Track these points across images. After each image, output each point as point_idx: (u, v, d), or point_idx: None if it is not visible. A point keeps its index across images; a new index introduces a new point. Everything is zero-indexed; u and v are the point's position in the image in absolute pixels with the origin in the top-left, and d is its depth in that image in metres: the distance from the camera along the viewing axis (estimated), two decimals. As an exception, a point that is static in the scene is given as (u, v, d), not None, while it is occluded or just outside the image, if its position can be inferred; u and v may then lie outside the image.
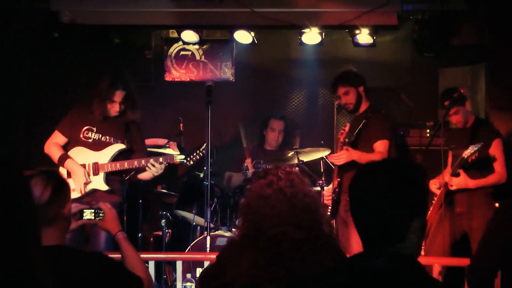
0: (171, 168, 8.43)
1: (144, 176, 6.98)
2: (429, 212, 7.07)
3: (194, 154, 6.85)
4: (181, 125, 8.45)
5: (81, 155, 6.71)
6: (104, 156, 6.73)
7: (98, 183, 6.67)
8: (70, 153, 6.74)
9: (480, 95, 8.40)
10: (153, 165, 6.67)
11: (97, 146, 6.76)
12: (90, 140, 6.74)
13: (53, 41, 8.93)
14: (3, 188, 2.01)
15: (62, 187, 3.63)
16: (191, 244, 7.24)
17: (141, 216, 7.86)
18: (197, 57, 9.76)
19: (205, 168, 7.27)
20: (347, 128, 7.07)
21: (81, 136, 6.73)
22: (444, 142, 7.19)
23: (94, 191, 6.68)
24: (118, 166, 6.68)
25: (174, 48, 9.77)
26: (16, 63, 9.08)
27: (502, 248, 3.87)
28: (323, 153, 7.67)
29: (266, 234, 3.50)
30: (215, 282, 3.69)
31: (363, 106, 7.40)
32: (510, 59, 8.09)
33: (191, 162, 6.87)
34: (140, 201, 7.84)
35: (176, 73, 9.77)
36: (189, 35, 9.12)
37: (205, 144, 6.83)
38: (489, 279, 3.94)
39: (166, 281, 7.63)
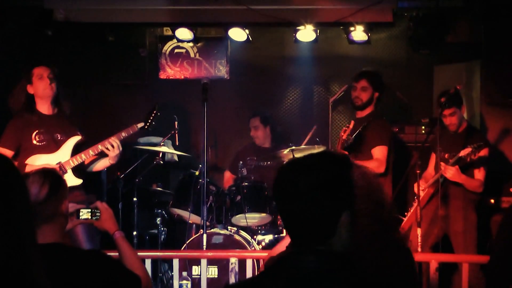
0: (165, 166, 8.43)
1: (98, 166, 6.87)
2: (410, 212, 7.09)
3: (151, 118, 6.79)
4: (175, 123, 8.43)
5: (40, 162, 6.52)
6: (64, 154, 6.61)
7: (70, 180, 6.47)
8: (28, 161, 6.55)
9: (475, 92, 8.40)
10: (112, 145, 6.56)
11: (52, 147, 6.63)
12: (44, 143, 6.62)
13: (47, 39, 8.90)
14: (1, 187, 2.00)
15: (59, 184, 3.62)
16: (187, 242, 7.23)
17: (137, 214, 7.84)
18: (192, 55, 9.74)
19: (200, 166, 7.25)
20: (351, 126, 7.05)
21: (34, 141, 6.60)
22: (432, 141, 7.22)
23: (71, 189, 6.57)
24: (82, 156, 6.58)
25: (168, 46, 9.75)
26: (10, 61, 9.04)
27: None
28: (318, 150, 7.65)
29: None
30: None
31: (368, 109, 7.43)
32: (505, 56, 8.09)
33: (150, 128, 6.82)
34: (135, 199, 7.82)
35: (171, 71, 9.75)
36: (183, 33, 9.11)
37: (157, 105, 6.81)
38: (507, 278, 3.92)
39: (162, 279, 7.61)
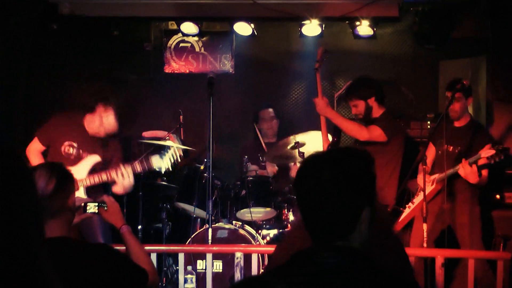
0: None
1: (116, 189, 6.86)
2: (413, 206, 7.09)
3: (170, 155, 6.80)
4: (180, 117, 8.42)
5: None
6: (81, 170, 6.64)
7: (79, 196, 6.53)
8: None
9: (480, 87, 8.38)
10: (122, 175, 6.61)
11: (75, 161, 6.68)
12: (71, 157, 6.67)
13: (52, 33, 8.89)
14: (6, 178, 1.99)
15: (66, 179, 3.62)
16: (192, 236, 7.23)
17: (142, 208, 7.85)
18: (197, 49, 9.72)
19: (205, 160, 7.25)
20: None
21: (62, 150, 6.65)
22: (431, 133, 7.21)
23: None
24: (96, 179, 6.63)
25: (173, 40, 9.73)
26: (15, 55, 9.03)
27: None
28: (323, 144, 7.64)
29: None
30: None
31: (375, 114, 7.38)
32: (512, 51, 8.10)
33: (170, 168, 6.84)
34: (140, 193, 7.83)
35: (176, 65, 9.73)
36: (188, 27, 9.10)
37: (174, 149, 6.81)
38: None
39: (166, 274, 7.62)
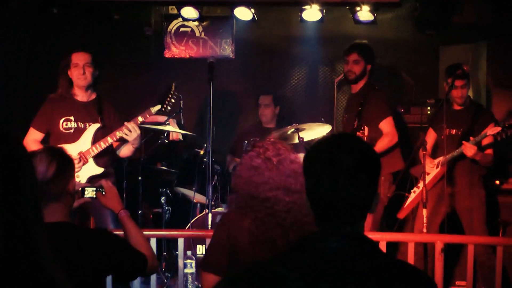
0: (171, 145, 8.42)
1: (124, 152, 6.85)
2: (417, 191, 7.09)
3: (167, 99, 6.75)
4: (180, 102, 8.41)
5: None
6: (84, 142, 6.60)
7: (91, 169, 6.55)
8: None
9: (481, 73, 8.38)
10: (129, 130, 6.53)
11: (77, 136, 6.64)
12: (71, 130, 6.63)
13: (52, 17, 8.88)
14: (4, 163, 2.00)
15: (66, 163, 3.62)
16: (191, 221, 7.24)
17: (141, 193, 7.85)
18: (197, 34, 9.71)
19: (205, 145, 7.25)
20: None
21: (61, 128, 6.61)
22: (431, 117, 7.22)
23: (92, 178, 6.57)
24: (102, 145, 6.58)
25: (173, 25, 9.72)
26: (14, 39, 9.02)
27: None
28: (323, 129, 7.64)
29: (259, 198, 3.96)
30: (224, 251, 4.04)
31: (362, 82, 7.50)
32: (513, 38, 8.09)
33: (169, 108, 6.79)
34: (140, 178, 7.84)
35: (176, 50, 9.72)
36: (188, 12, 9.07)
37: (174, 84, 6.77)
38: None
39: (166, 258, 7.64)
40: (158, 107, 6.62)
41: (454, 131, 7.14)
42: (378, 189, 2.45)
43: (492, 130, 6.67)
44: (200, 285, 5.76)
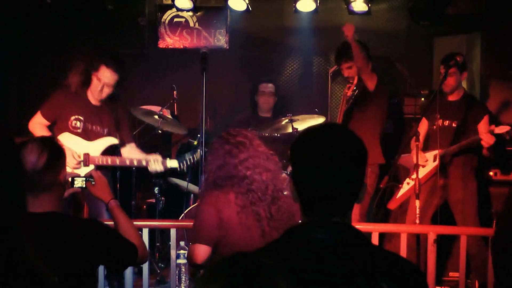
0: (165, 135, 8.41)
1: (128, 155, 6.88)
2: (411, 183, 7.08)
3: (188, 159, 6.75)
4: (174, 92, 8.42)
5: (71, 142, 6.53)
6: (96, 148, 6.60)
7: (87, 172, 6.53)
8: (60, 137, 6.50)
9: (475, 64, 8.39)
10: (155, 167, 6.62)
11: (87, 135, 6.63)
12: (79, 130, 6.60)
13: (46, 7, 8.85)
14: None
15: (58, 153, 3.61)
16: (185, 212, 7.23)
17: (135, 184, 7.84)
18: (191, 24, 9.69)
19: (198, 135, 7.24)
20: (355, 81, 7.11)
21: (70, 125, 6.58)
22: (424, 107, 7.21)
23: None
24: (109, 161, 6.60)
25: (167, 15, 9.69)
26: (8, 29, 9.01)
27: None
28: (317, 120, 7.64)
29: (238, 176, 4.40)
30: (214, 223, 4.36)
31: (369, 80, 7.45)
32: (507, 28, 8.07)
33: (184, 170, 6.82)
34: (134, 168, 7.82)
35: (170, 40, 9.71)
36: (183, 2, 9.05)
37: (198, 150, 6.76)
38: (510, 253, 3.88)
39: (159, 249, 7.64)
40: (175, 164, 6.68)
41: (447, 122, 7.13)
42: (365, 180, 2.44)
43: (500, 129, 6.65)
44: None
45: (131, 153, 6.83)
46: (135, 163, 6.65)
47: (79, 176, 4.25)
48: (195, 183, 7.39)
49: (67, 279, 3.06)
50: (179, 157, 6.77)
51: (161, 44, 9.72)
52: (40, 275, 2.02)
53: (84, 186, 4.20)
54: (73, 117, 6.59)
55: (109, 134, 6.72)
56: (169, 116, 7.84)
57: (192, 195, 7.79)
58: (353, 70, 7.55)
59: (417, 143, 6.63)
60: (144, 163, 6.62)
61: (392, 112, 7.91)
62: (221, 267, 1.86)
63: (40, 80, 9.02)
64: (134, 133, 7.86)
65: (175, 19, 9.69)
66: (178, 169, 6.73)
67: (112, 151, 6.72)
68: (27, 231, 2.04)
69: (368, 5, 8.62)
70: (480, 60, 8.32)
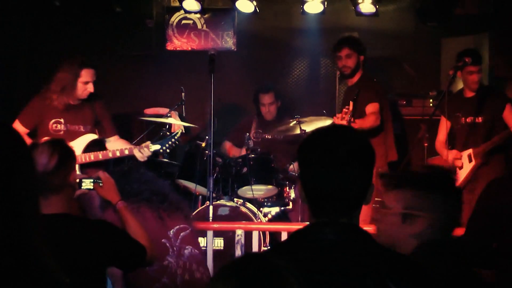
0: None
1: (113, 147, 6.87)
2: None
3: (170, 142, 6.75)
4: (182, 94, 8.42)
5: None
6: (77, 147, 6.53)
7: None
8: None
9: (483, 64, 8.36)
10: (142, 153, 6.58)
11: (69, 135, 6.56)
12: (61, 133, 6.61)
13: (55, 9, 8.88)
14: (2, 155, 2.00)
15: (68, 155, 3.64)
16: (193, 214, 7.24)
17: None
18: (199, 26, 9.70)
19: (207, 137, 7.25)
20: (351, 108, 6.99)
21: (50, 129, 6.60)
22: (438, 108, 7.17)
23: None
24: (92, 157, 6.59)
25: (175, 17, 9.71)
26: (16, 32, 9.03)
27: (490, 223, 3.84)
28: (325, 122, 7.64)
29: None
30: None
31: (358, 74, 7.47)
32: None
33: (168, 151, 6.80)
34: (142, 170, 7.83)
35: (178, 42, 9.72)
36: (190, 4, 9.06)
37: (179, 132, 6.76)
38: (479, 252, 3.89)
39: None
40: (158, 147, 6.64)
41: (470, 119, 7.09)
42: (373, 180, 2.45)
43: None
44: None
45: (115, 146, 6.82)
46: (118, 153, 6.60)
47: (87, 177, 4.27)
48: (203, 184, 7.39)
49: (77, 280, 3.06)
50: (160, 141, 6.75)
51: (169, 46, 9.73)
52: (53, 277, 2.04)
53: (92, 187, 4.21)
54: (52, 121, 6.60)
55: (91, 131, 6.74)
56: (178, 118, 7.85)
57: (200, 196, 7.79)
58: (352, 60, 7.46)
59: (426, 144, 6.61)
60: (127, 152, 6.59)
61: (400, 114, 7.90)
62: (233, 267, 1.87)
63: (47, 82, 9.03)
64: (142, 135, 7.88)
65: (183, 21, 9.70)
66: (161, 151, 6.70)
67: (98, 147, 6.72)
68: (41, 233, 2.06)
69: (375, 6, 8.61)
70: (488, 61, 8.31)
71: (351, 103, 7.00)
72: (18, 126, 6.62)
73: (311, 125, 7.61)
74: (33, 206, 2.06)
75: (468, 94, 7.18)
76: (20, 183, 2.02)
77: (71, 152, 3.68)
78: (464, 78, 7.10)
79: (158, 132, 7.90)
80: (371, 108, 7.27)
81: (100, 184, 4.20)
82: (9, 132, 2.08)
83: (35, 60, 9.39)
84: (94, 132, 6.79)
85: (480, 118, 7.03)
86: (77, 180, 4.14)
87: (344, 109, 6.97)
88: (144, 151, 6.58)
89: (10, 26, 8.84)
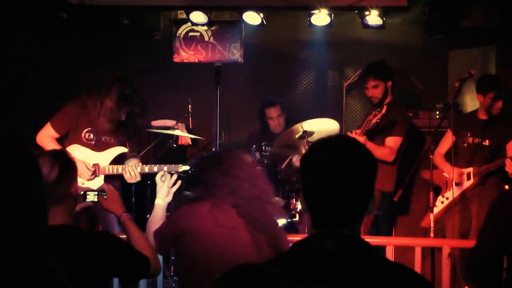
0: (180, 149, 8.43)
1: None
2: (446, 202, 7.04)
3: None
4: (189, 106, 8.44)
5: (79, 153, 6.57)
6: (105, 158, 6.68)
7: (98, 184, 6.54)
8: (68, 149, 6.49)
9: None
10: (133, 174, 6.62)
11: (98, 146, 6.70)
12: (92, 142, 6.69)
13: (62, 22, 8.91)
14: (12, 169, 2.01)
15: (69, 166, 3.63)
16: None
17: (150, 197, 7.86)
18: (206, 39, 9.73)
19: (213, 149, 7.26)
20: (383, 111, 6.89)
21: (83, 137, 6.66)
22: (448, 122, 7.15)
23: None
24: (119, 170, 6.65)
25: (182, 29, 9.74)
26: (24, 44, 9.06)
27: (501, 236, 3.82)
28: (330, 126, 7.60)
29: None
30: None
31: (387, 100, 7.38)
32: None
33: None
34: (149, 182, 7.84)
35: (185, 55, 9.75)
36: (197, 16, 9.10)
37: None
38: (488, 267, 3.87)
39: (174, 262, 7.64)
40: (187, 167, 6.64)
41: (477, 140, 7.08)
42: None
43: None
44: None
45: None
46: (146, 169, 6.67)
47: (91, 190, 4.28)
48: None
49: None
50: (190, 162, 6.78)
51: (176, 58, 9.76)
52: (60, 285, 2.05)
53: (96, 200, 4.22)
54: (85, 130, 6.64)
55: (122, 144, 6.78)
56: (185, 130, 7.86)
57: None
58: (379, 90, 7.36)
59: (431, 156, 6.60)
60: (156, 169, 6.62)
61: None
62: (228, 277, 1.87)
63: (56, 95, 9.06)
64: (149, 147, 7.89)
65: (190, 34, 9.73)
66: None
67: (122, 161, 6.77)
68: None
69: (382, 19, 8.63)
70: (495, 73, 8.30)
71: (384, 106, 6.90)
72: (49, 130, 6.69)
73: (316, 134, 7.58)
74: (42, 219, 2.08)
75: (482, 116, 7.14)
76: (31, 198, 2.03)
77: (72, 163, 3.67)
78: (486, 102, 7.06)
79: (165, 143, 7.94)
80: (392, 142, 7.23)
81: (105, 197, 4.20)
82: (20, 147, 2.09)
83: (43, 72, 9.42)
84: (124, 146, 6.82)
85: (487, 141, 7.02)
86: (81, 193, 4.15)
87: (374, 111, 6.89)
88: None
89: (19, 39, 8.87)
